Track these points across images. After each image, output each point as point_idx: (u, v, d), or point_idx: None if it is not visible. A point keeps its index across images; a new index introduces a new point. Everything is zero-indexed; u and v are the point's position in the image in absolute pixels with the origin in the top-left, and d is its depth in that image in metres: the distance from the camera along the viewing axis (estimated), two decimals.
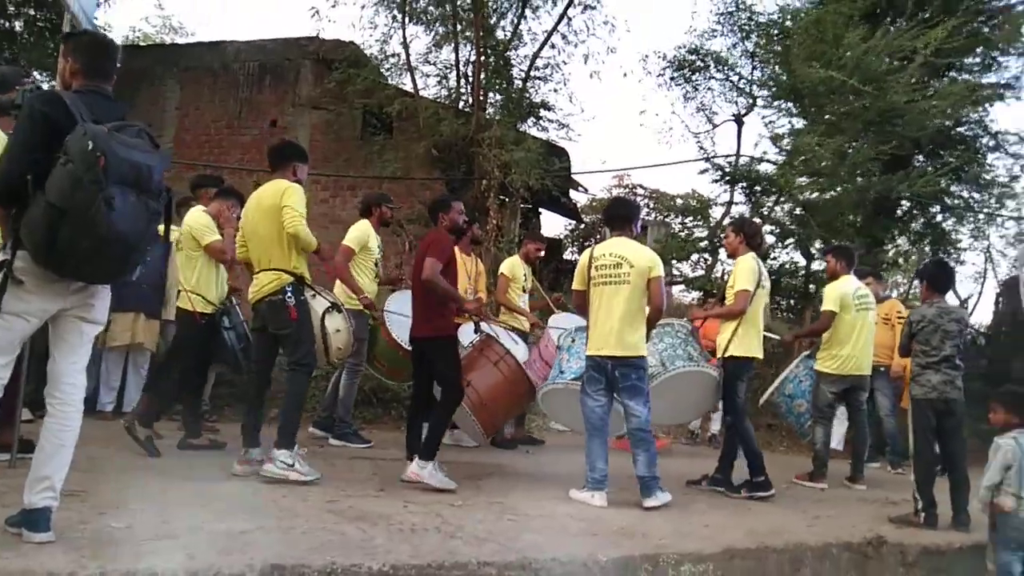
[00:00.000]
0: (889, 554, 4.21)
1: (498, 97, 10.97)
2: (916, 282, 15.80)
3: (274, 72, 12.67)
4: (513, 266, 7.05)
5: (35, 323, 2.92)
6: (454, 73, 11.08)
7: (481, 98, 10.53)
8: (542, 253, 7.37)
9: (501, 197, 10.84)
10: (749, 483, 5.36)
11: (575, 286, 5.06)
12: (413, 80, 10.96)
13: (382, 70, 11.14)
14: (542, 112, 11.15)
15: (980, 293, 18.12)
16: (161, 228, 3.13)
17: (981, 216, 13.60)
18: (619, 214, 5.20)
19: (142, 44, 18.76)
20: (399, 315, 5.97)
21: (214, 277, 5.48)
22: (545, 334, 6.17)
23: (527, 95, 11.02)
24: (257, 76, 12.70)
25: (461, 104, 10.89)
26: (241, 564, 2.85)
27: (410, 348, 5.29)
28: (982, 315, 17.14)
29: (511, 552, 3.38)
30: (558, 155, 11.51)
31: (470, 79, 10.72)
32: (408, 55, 10.93)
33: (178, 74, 13.11)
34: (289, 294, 4.55)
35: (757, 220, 9.04)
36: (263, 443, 4.67)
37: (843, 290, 6.27)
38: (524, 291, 7.05)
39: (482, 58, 10.49)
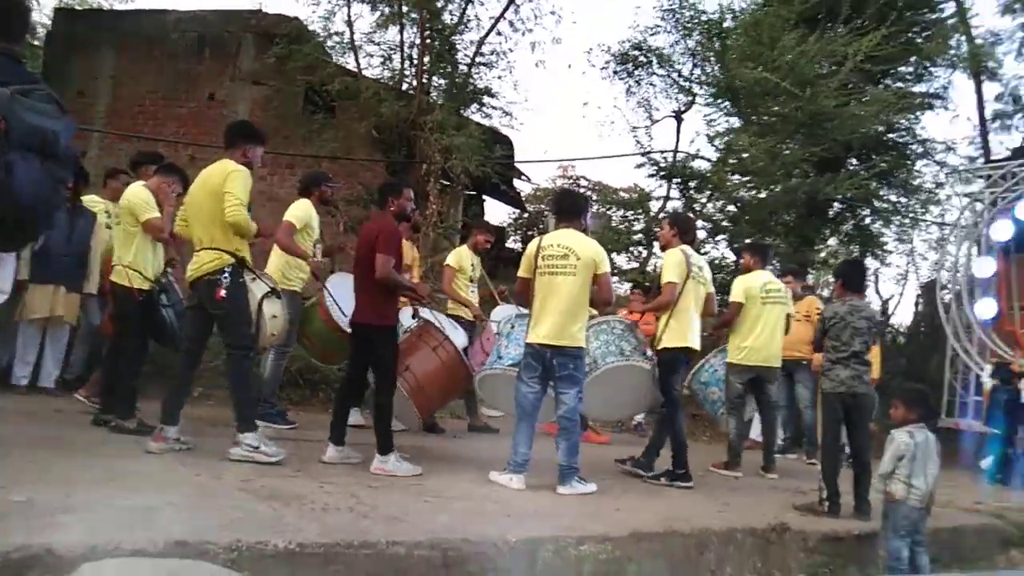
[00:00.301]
0: (791, 540, 4.37)
1: (442, 81, 10.93)
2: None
3: (214, 44, 12.37)
4: (460, 256, 7.06)
5: None
6: (399, 55, 10.99)
7: (424, 81, 10.47)
8: (489, 245, 7.40)
9: (443, 182, 10.82)
10: (670, 472, 5.49)
11: (520, 273, 5.10)
12: (356, 59, 10.86)
13: (325, 47, 10.96)
14: (486, 99, 11.15)
15: (902, 294, 18.87)
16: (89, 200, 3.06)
17: (907, 220, 14.13)
18: (569, 206, 5.23)
19: (78, 8, 18.07)
20: (336, 299, 5.93)
21: (151, 253, 5.35)
22: (487, 327, 6.23)
23: (471, 81, 10.99)
24: (196, 47, 12.39)
25: (404, 86, 10.81)
26: (143, 540, 2.80)
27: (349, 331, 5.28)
28: (903, 316, 17.86)
29: (422, 532, 3.40)
30: (501, 143, 11.53)
31: (414, 61, 10.63)
32: (352, 34, 10.82)
33: (114, 41, 12.69)
34: (226, 275, 4.52)
35: (691, 215, 9.24)
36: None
37: (749, 283, 6.52)
38: (471, 281, 7.07)
39: (427, 41, 10.41)
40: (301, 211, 6.04)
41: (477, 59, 10.99)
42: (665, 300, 5.57)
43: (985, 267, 10.11)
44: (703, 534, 4.03)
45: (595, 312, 5.67)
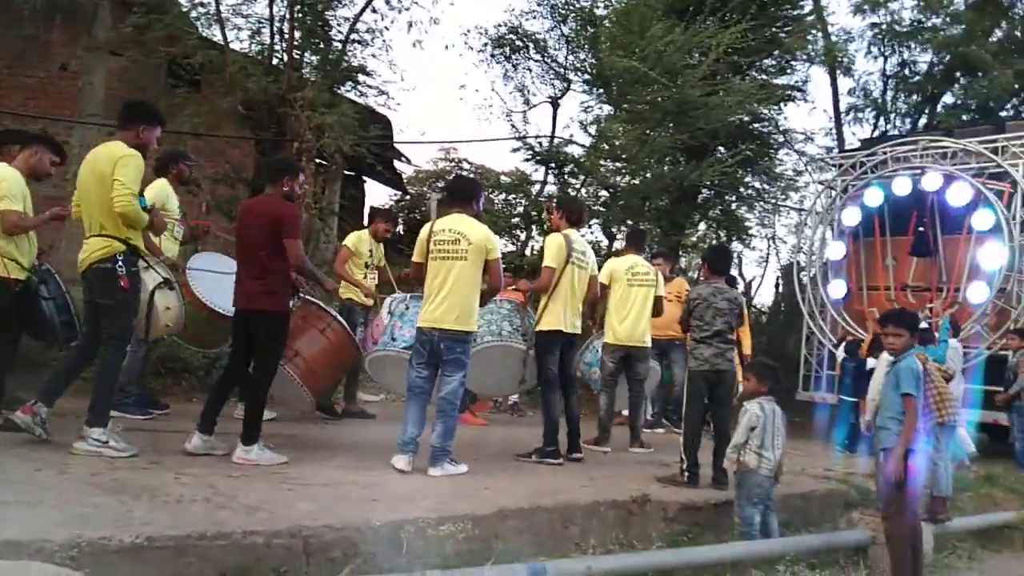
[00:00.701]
0: (652, 511, 4.54)
1: (314, 58, 10.58)
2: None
3: (66, 10, 11.44)
4: (359, 240, 6.99)
5: None
6: (268, 29, 10.54)
7: (296, 57, 10.10)
8: (389, 235, 7.40)
9: (317, 161, 10.52)
10: (540, 450, 5.58)
11: (414, 258, 5.09)
12: (223, 32, 10.32)
13: (189, 18, 10.38)
14: (360, 77, 10.88)
15: (763, 276, 19.98)
16: None
17: (768, 206, 14.95)
18: (461, 190, 5.24)
19: None
20: (204, 272, 5.71)
21: (27, 241, 4.85)
22: (379, 315, 6.19)
23: (345, 58, 10.70)
24: (45, 12, 11.43)
25: (275, 61, 10.40)
26: None
27: (220, 313, 5.21)
28: (765, 296, 18.93)
29: (282, 520, 3.32)
30: (378, 123, 11.32)
31: (285, 36, 10.24)
32: (218, 5, 10.27)
33: None
34: (120, 263, 4.31)
35: (579, 199, 9.38)
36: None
37: (614, 266, 6.76)
38: (367, 267, 6.99)
39: (297, 15, 10.04)
40: (156, 191, 5.69)
41: (352, 36, 10.71)
42: (542, 284, 5.68)
43: (837, 250, 10.81)
44: (568, 508, 4.13)
45: None
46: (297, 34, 10.12)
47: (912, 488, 4.33)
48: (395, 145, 13.82)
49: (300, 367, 5.26)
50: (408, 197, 19.50)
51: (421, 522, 3.42)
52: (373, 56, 11.23)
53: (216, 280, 5.44)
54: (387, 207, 19.09)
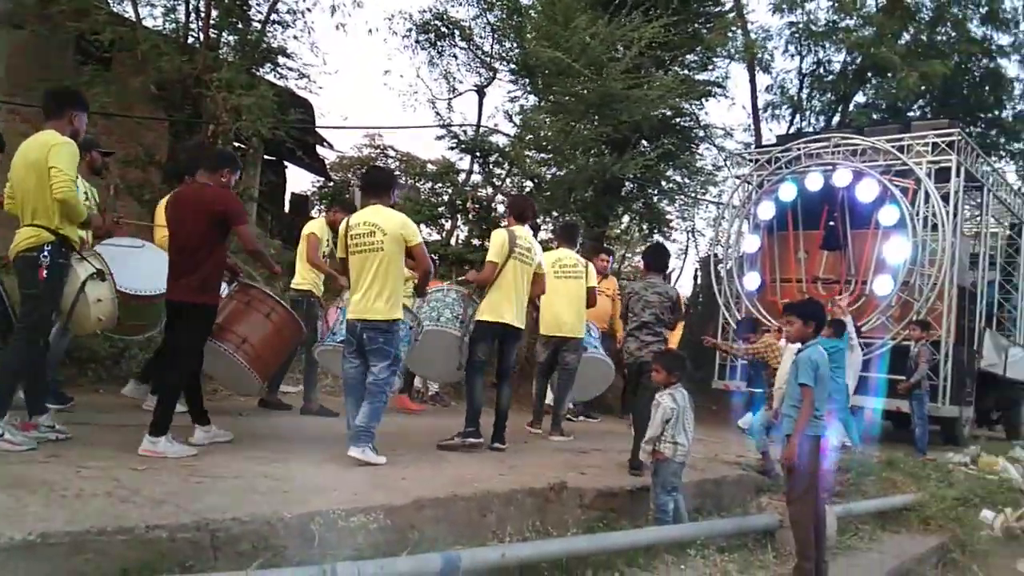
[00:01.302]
0: (569, 498, 4.60)
1: (232, 38, 10.24)
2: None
3: None
4: (323, 228, 6.92)
5: None
6: (183, 7, 10.15)
7: (212, 36, 9.75)
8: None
9: (235, 144, 10.20)
10: (462, 432, 5.68)
11: (339, 254, 5.14)
12: (135, 8, 9.89)
13: None
14: (280, 59, 10.59)
15: (682, 268, 20.47)
16: None
17: (688, 199, 15.28)
18: (375, 182, 5.24)
19: None
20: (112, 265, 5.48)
21: None
22: (333, 305, 6.35)
23: (265, 40, 10.39)
24: None
25: (190, 41, 10.02)
26: None
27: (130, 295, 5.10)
28: (684, 288, 19.39)
29: (188, 514, 3.22)
30: (299, 106, 11.05)
31: (201, 15, 9.87)
32: None
33: None
34: (45, 253, 4.23)
35: (527, 196, 9.43)
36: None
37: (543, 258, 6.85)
38: (324, 257, 6.90)
39: None
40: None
41: (272, 17, 10.42)
42: (483, 277, 5.86)
43: (752, 244, 11.14)
44: (485, 497, 4.14)
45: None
46: (214, 13, 9.78)
47: (810, 472, 4.49)
48: (317, 130, 13.54)
49: (249, 352, 5.25)
50: (332, 184, 19.15)
51: (332, 514, 3.36)
52: (294, 38, 11.02)
53: (123, 258, 5.22)
54: (306, 193, 18.76)
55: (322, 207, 19.22)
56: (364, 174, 6.14)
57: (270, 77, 10.73)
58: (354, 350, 4.96)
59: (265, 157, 13.48)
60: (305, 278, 6.73)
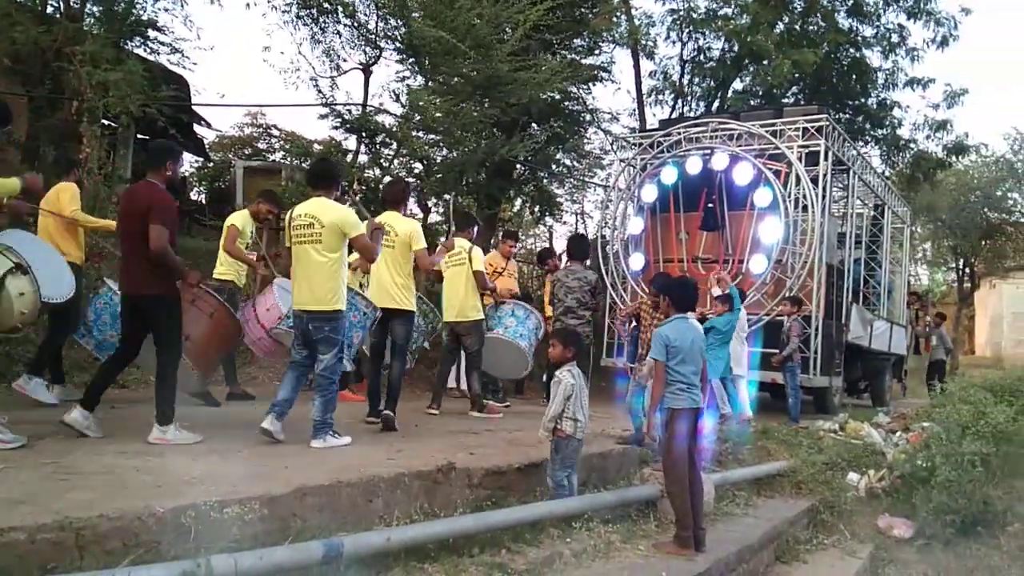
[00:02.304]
0: (457, 478, 4.60)
1: (96, 8, 9.60)
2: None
3: None
4: (245, 220, 6.86)
5: None
6: None
7: (74, 6, 9.11)
8: (272, 216, 7.28)
9: (104, 122, 9.60)
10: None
11: (287, 244, 5.34)
12: None
13: None
14: (151, 32, 10.02)
15: None
16: None
17: (577, 182, 15.53)
18: (319, 174, 5.39)
19: None
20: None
21: None
22: (267, 295, 6.37)
23: (133, 11, 9.79)
24: None
25: (49, 10, 9.33)
26: None
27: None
28: None
29: (48, 513, 3.03)
30: (173, 83, 10.50)
31: None
32: None
33: None
34: None
35: (399, 180, 9.32)
36: None
37: None
38: (247, 248, 6.85)
39: None
40: None
41: None
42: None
43: (636, 225, 11.44)
44: (371, 482, 4.09)
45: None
46: None
47: (676, 442, 4.67)
48: (193, 107, 12.92)
49: (191, 351, 5.34)
50: (211, 164, 18.34)
51: (205, 506, 3.24)
52: (165, 10, 10.41)
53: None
54: (184, 174, 17.89)
55: (202, 189, 18.40)
56: (310, 166, 6.23)
57: (140, 52, 10.15)
58: (301, 341, 5.15)
59: (138, 137, 12.75)
60: (227, 268, 6.78)
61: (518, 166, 13.52)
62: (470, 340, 7.19)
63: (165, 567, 2.90)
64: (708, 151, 10.76)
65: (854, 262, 12.21)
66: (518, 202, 17.24)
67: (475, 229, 7.76)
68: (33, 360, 5.94)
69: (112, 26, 9.46)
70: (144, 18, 9.99)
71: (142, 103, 8.53)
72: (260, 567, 3.06)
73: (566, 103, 14.03)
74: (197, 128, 14.94)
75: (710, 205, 10.78)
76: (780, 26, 15.97)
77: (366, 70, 11.67)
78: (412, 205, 12.35)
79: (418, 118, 10.43)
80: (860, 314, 11.96)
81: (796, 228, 10.19)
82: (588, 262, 7.32)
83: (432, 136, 11.11)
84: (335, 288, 5.04)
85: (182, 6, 10.38)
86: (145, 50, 10.30)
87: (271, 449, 4.78)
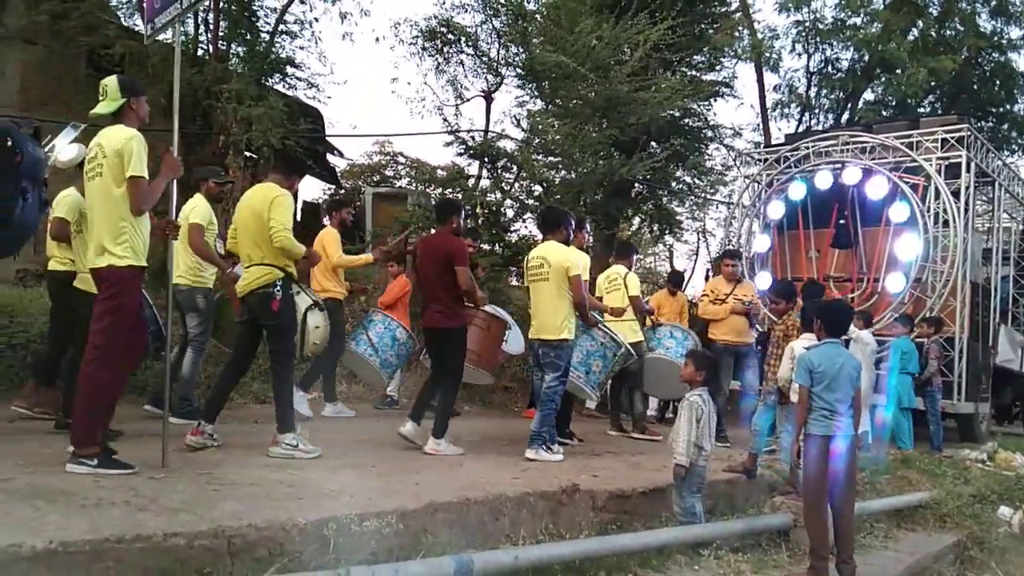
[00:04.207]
0: (582, 500, 4.61)
1: (240, 49, 10.34)
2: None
3: None
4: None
5: None
6: (192, 19, 10.24)
7: (221, 48, 9.85)
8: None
9: (247, 154, 10.29)
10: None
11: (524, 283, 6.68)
12: (144, 21, 9.98)
13: (108, 6, 10.01)
14: (289, 69, 10.68)
15: (693, 268, 20.41)
16: None
17: (698, 200, 15.24)
18: (547, 220, 6.22)
19: None
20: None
21: None
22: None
23: (274, 50, 10.48)
24: None
25: (200, 53, 10.12)
26: None
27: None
28: (696, 288, 19.35)
29: (205, 521, 3.26)
30: (309, 116, 11.13)
31: (210, 27, 9.97)
32: None
33: None
34: (277, 288, 4.84)
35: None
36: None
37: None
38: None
39: (223, 5, 9.79)
40: (202, 209, 5.97)
41: (280, 28, 10.51)
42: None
43: (762, 243, 11.12)
44: (498, 500, 4.16)
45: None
46: (223, 24, 9.87)
47: (819, 471, 4.46)
48: (327, 139, 13.62)
49: (479, 361, 6.29)
50: (343, 191, 19.22)
51: (345, 519, 3.40)
52: (302, 48, 11.11)
53: None
54: (317, 201, 18.81)
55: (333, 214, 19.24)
56: (540, 212, 7.32)
57: (279, 87, 10.83)
58: (534, 362, 5.97)
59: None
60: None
61: (636, 185, 13.44)
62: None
63: None
64: (839, 165, 10.35)
65: (1001, 280, 11.41)
66: (636, 220, 17.09)
67: (633, 257, 8.13)
68: (301, 379, 6.66)
69: (254, 65, 10.17)
70: (283, 56, 10.69)
71: (282, 136, 9.11)
72: None
73: (686, 120, 13.85)
74: (330, 157, 15.73)
75: (842, 221, 10.35)
76: (914, 32, 15.20)
77: (488, 97, 11.97)
78: (532, 227, 12.47)
79: (538, 141, 10.58)
80: (1009, 335, 11.15)
81: (936, 244, 9.63)
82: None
83: (551, 158, 11.22)
84: (563, 321, 5.70)
85: (317, 43, 11.06)
86: (284, 86, 11.01)
87: (401, 464, 4.94)
